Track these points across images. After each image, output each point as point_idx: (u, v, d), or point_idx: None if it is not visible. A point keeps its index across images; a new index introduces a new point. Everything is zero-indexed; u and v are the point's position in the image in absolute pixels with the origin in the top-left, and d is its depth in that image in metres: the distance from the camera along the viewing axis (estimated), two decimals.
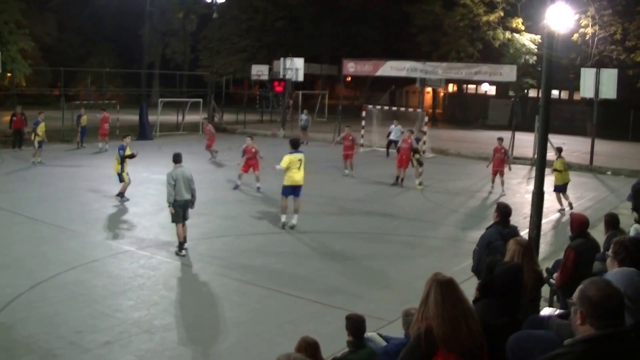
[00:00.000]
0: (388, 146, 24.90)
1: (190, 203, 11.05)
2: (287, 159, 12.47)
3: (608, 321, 2.75)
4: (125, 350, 7.08)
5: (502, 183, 17.86)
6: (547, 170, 11.13)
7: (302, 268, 10.48)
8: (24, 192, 15.57)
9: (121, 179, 14.99)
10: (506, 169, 17.99)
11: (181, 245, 10.88)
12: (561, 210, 15.67)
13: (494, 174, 17.93)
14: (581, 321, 2.80)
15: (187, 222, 12.98)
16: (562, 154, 16.32)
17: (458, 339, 3.36)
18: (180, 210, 10.88)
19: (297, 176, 12.55)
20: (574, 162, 22.88)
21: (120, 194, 14.81)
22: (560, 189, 15.69)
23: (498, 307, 4.05)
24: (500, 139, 18.29)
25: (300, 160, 12.56)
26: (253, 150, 17.03)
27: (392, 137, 24.63)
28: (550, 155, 19.15)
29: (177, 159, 11.14)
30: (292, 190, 12.70)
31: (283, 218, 12.73)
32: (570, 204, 15.81)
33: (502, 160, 17.82)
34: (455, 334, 3.37)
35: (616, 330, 2.75)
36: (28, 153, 22.65)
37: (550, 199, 16.33)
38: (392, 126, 24.79)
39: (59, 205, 14.20)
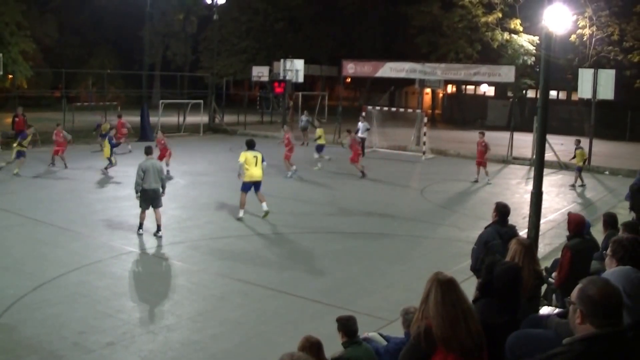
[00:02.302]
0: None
1: (159, 192, 11.95)
2: (243, 155, 13.49)
3: (608, 320, 2.77)
4: (128, 351, 7.13)
5: (487, 173, 19.77)
6: (546, 171, 11.21)
7: (303, 268, 10.54)
8: (26, 193, 15.61)
9: (111, 162, 18.58)
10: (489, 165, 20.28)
11: (140, 225, 11.99)
12: (572, 186, 19.58)
13: (478, 165, 19.89)
14: (581, 320, 2.83)
15: (189, 223, 13.22)
16: (561, 151, 19.48)
17: (457, 338, 3.39)
18: (148, 198, 11.81)
19: (255, 172, 13.43)
20: (572, 163, 22.93)
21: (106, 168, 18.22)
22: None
23: (498, 306, 4.10)
24: (482, 133, 20.42)
25: (255, 157, 13.45)
26: (162, 141, 19.07)
27: (359, 134, 24.89)
28: (549, 155, 19.35)
29: (147, 151, 12.23)
30: (252, 186, 13.57)
31: (240, 213, 13.47)
32: (579, 183, 19.71)
33: (483, 152, 19.70)
34: (454, 334, 3.40)
35: (615, 330, 2.78)
36: (30, 154, 22.64)
37: (548, 199, 16.44)
38: (359, 123, 25.16)
39: (60, 207, 14.24)
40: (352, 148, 20.51)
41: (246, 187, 13.47)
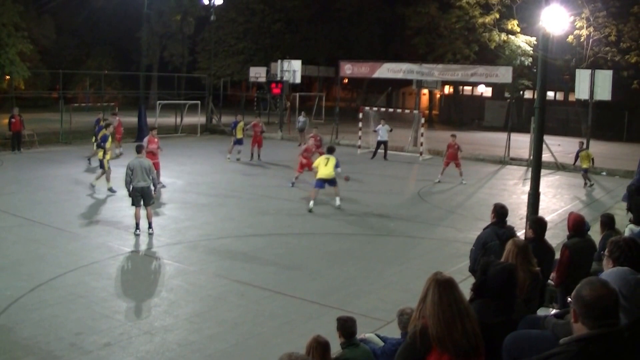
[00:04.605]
0: (377, 147, 25.06)
1: (148, 189, 12.13)
2: (317, 161, 15.75)
3: (600, 321, 2.78)
4: (125, 352, 7.13)
5: (461, 174, 19.71)
6: (543, 172, 11.23)
7: (300, 269, 10.54)
8: (23, 194, 15.59)
9: (102, 166, 16.19)
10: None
11: (137, 225, 12.07)
12: (590, 185, 20.03)
13: (446, 165, 19.75)
14: (575, 319, 2.85)
15: (186, 224, 13.24)
16: (558, 152, 19.21)
17: (452, 339, 3.40)
18: (138, 196, 12.01)
19: (322, 171, 15.19)
20: (569, 164, 23.01)
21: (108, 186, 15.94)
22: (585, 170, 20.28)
23: (493, 307, 4.11)
24: (454, 136, 20.19)
25: (327, 159, 15.33)
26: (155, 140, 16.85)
27: (379, 137, 24.83)
28: (546, 156, 19.37)
29: (137, 149, 12.54)
30: (324, 183, 15.28)
31: (310, 204, 14.96)
32: (588, 184, 20.04)
33: (455, 154, 19.67)
34: (449, 334, 3.40)
35: (610, 330, 2.79)
36: (27, 155, 22.73)
37: (545, 199, 16.48)
38: (380, 126, 24.94)
39: (58, 208, 14.23)
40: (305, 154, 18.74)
41: (318, 184, 15.28)
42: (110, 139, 16.99)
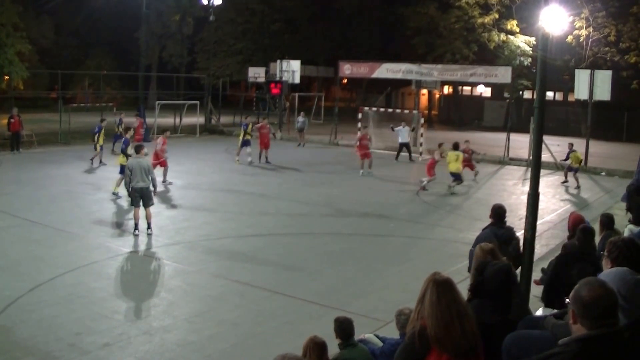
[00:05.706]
0: (400, 149, 24.74)
1: (147, 190, 12.08)
2: (449, 156, 17.79)
3: (598, 321, 2.77)
4: (124, 352, 7.13)
5: (476, 173, 20.17)
6: (543, 172, 11.22)
7: (300, 269, 10.54)
8: (22, 194, 15.58)
9: (122, 171, 15.25)
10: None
11: (136, 226, 12.07)
12: (564, 182, 20.29)
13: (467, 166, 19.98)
14: (573, 320, 2.84)
15: (185, 224, 13.24)
16: (557, 152, 19.63)
17: (450, 339, 3.40)
18: (137, 196, 11.98)
19: (451, 166, 17.63)
20: (566, 164, 22.98)
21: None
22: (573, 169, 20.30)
23: (490, 307, 4.11)
24: (467, 141, 20.64)
25: (457, 155, 17.66)
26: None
27: (400, 140, 24.52)
28: (546, 156, 19.37)
29: (137, 149, 12.50)
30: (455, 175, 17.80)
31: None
32: (577, 186, 19.90)
33: (469, 158, 19.99)
34: (448, 334, 3.40)
35: (609, 330, 2.78)
36: (26, 155, 22.72)
37: (545, 200, 16.48)
38: (400, 127, 24.58)
39: (57, 208, 14.22)
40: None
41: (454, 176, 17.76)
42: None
